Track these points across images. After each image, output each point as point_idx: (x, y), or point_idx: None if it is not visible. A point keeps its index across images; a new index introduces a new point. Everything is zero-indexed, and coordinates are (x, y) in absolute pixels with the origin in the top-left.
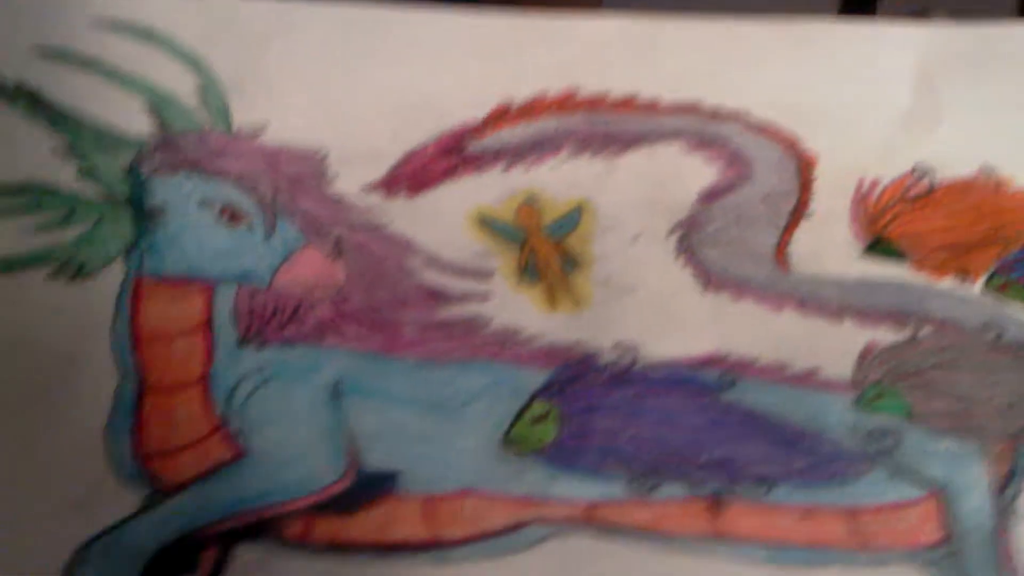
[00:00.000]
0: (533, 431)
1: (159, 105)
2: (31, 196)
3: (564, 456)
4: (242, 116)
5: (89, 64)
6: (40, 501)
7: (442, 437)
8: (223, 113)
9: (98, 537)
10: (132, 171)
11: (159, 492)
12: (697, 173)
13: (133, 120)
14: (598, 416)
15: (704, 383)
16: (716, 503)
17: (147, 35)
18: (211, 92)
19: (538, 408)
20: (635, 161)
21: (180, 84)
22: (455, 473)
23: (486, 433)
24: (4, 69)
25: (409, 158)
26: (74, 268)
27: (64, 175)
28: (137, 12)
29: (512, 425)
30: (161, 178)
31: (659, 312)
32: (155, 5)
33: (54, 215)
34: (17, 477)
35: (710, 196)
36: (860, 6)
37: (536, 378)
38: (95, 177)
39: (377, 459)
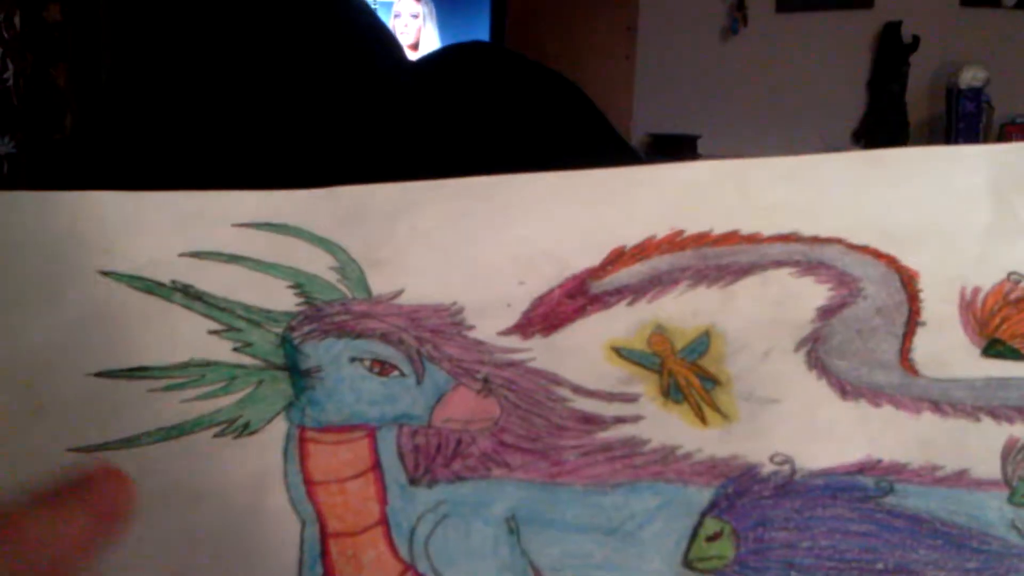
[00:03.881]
0: (711, 549)
1: (302, 283)
2: (194, 370)
3: (747, 573)
4: (379, 287)
5: (234, 259)
6: None
7: (625, 562)
8: (362, 284)
9: None
10: (284, 340)
11: None
12: (811, 293)
13: (280, 299)
14: (771, 530)
15: (864, 488)
16: None
17: (284, 229)
18: (348, 268)
19: (711, 526)
20: (750, 286)
21: (319, 267)
22: None
23: (667, 554)
24: (157, 273)
25: (538, 303)
26: (239, 427)
27: (222, 352)
28: (273, 214)
29: (689, 546)
30: (311, 343)
31: (805, 421)
32: (288, 205)
33: (216, 384)
34: None
35: (827, 312)
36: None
37: (702, 494)
38: (251, 350)
39: None
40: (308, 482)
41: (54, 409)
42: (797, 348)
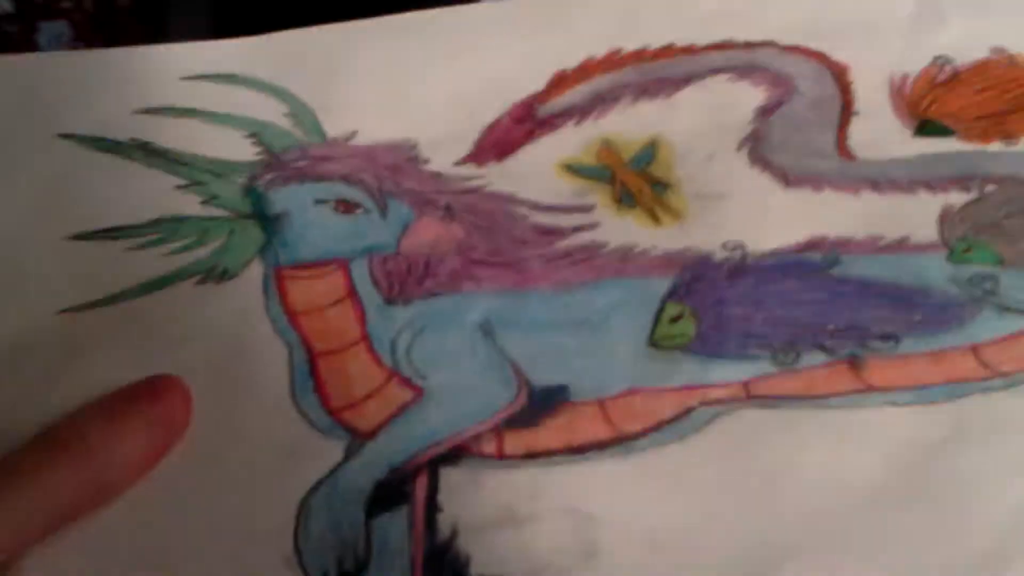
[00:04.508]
0: (673, 329)
1: (258, 132)
2: (165, 226)
3: (709, 346)
4: (333, 129)
5: (189, 112)
6: (249, 467)
7: (596, 348)
8: (316, 128)
9: (316, 488)
10: (250, 190)
11: (357, 439)
12: (748, 96)
13: (239, 150)
14: (728, 307)
15: (811, 263)
16: (854, 363)
17: (233, 79)
18: (301, 113)
19: (672, 309)
20: (690, 95)
21: (271, 114)
22: (617, 377)
23: (633, 338)
24: (115, 131)
25: (488, 131)
26: (218, 273)
27: (190, 206)
28: (218, 65)
29: (653, 329)
30: (275, 190)
31: (753, 211)
32: (233, 54)
33: (189, 238)
34: (222, 450)
35: (765, 112)
36: None
37: (662, 284)
38: (218, 202)
39: (544, 377)
40: (289, 312)
41: (36, 274)
42: (739, 147)
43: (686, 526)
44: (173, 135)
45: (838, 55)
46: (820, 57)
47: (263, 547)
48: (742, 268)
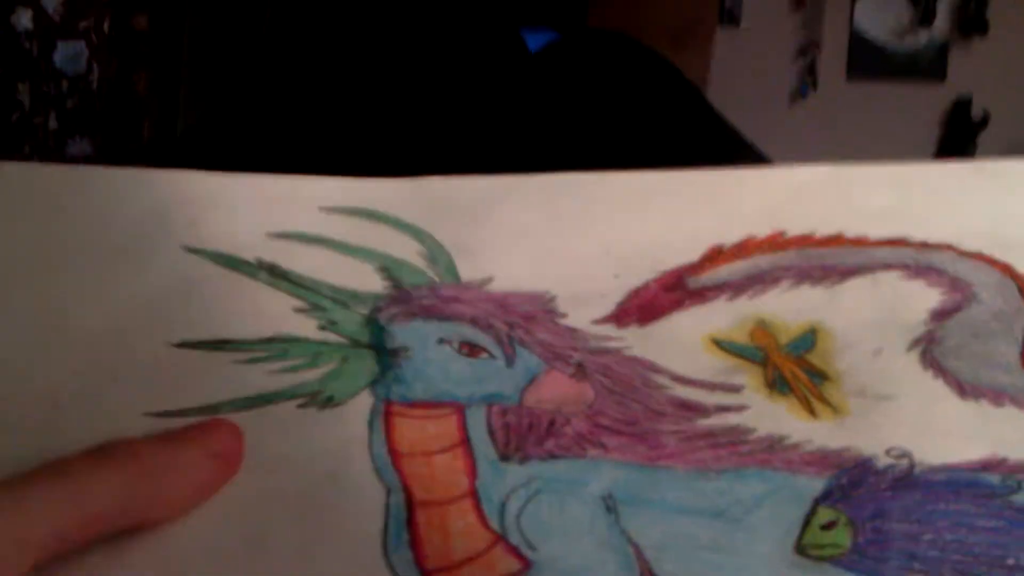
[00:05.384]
0: (825, 538)
1: (389, 267)
2: (276, 345)
3: (865, 563)
4: (468, 273)
5: (320, 241)
6: None
7: (733, 546)
8: (451, 269)
9: None
10: (371, 320)
11: None
12: (922, 295)
13: (367, 281)
14: (890, 521)
15: (989, 486)
16: None
17: (371, 215)
18: (437, 254)
19: (825, 515)
20: (858, 287)
21: (406, 252)
22: None
23: (777, 541)
24: (244, 251)
25: (634, 295)
26: (323, 399)
27: (308, 329)
28: (359, 199)
29: (802, 533)
30: (399, 324)
31: (922, 418)
32: (376, 193)
33: (301, 359)
34: None
35: (940, 315)
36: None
37: (814, 484)
38: (336, 328)
39: (670, 570)
40: (393, 452)
41: (132, 375)
42: (910, 348)
43: None
44: (301, 261)
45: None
46: (1005, 268)
47: None
48: (908, 479)
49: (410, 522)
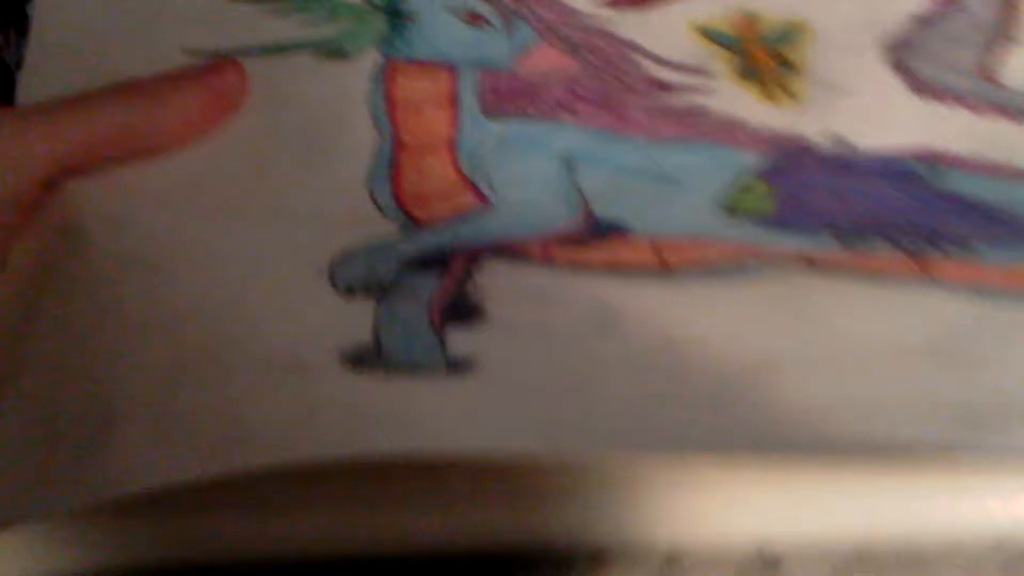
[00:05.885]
0: (748, 200)
1: None
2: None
3: (779, 218)
4: None
5: None
6: (312, 224)
7: (667, 198)
8: None
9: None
10: None
11: (416, 225)
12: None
13: None
14: (811, 194)
15: (913, 172)
16: (922, 256)
17: None
18: None
19: (754, 183)
20: None
21: None
22: (679, 224)
23: (707, 198)
24: None
25: None
26: (335, 50)
27: None
28: None
29: (729, 195)
30: None
31: (872, 111)
32: None
33: (319, 13)
34: (291, 204)
35: (922, 20)
36: None
37: (754, 159)
38: None
39: (607, 211)
40: (389, 100)
41: (171, 10)
42: (882, 48)
43: (706, 338)
44: None
45: None
46: None
47: (299, 257)
48: (840, 162)
49: (393, 161)
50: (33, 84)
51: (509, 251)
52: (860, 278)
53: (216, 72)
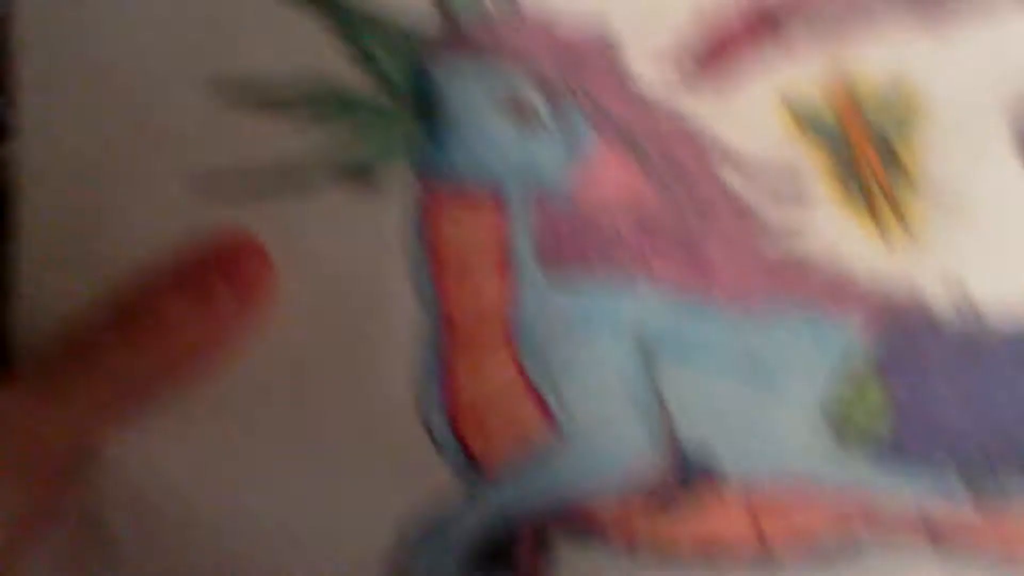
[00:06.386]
0: (860, 409)
1: None
2: (320, 100)
3: (894, 443)
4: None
5: None
6: (358, 471)
7: (761, 411)
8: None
9: (424, 530)
10: (418, 69)
11: (476, 470)
12: None
13: (417, 12)
14: (933, 400)
15: None
16: None
17: None
18: None
19: (866, 380)
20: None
21: None
22: (776, 458)
23: (807, 407)
24: None
25: (711, 31)
26: (360, 167)
27: (352, 80)
28: None
29: (837, 401)
30: (447, 73)
31: (998, 242)
32: None
33: (343, 119)
34: (333, 438)
35: None
36: None
37: (864, 338)
38: (383, 76)
39: (693, 435)
40: (433, 260)
41: (170, 135)
42: (1015, 120)
43: None
44: None
45: None
46: None
47: (357, 546)
48: (966, 342)
49: (444, 362)
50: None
51: (582, 522)
52: (991, 559)
53: (237, 267)
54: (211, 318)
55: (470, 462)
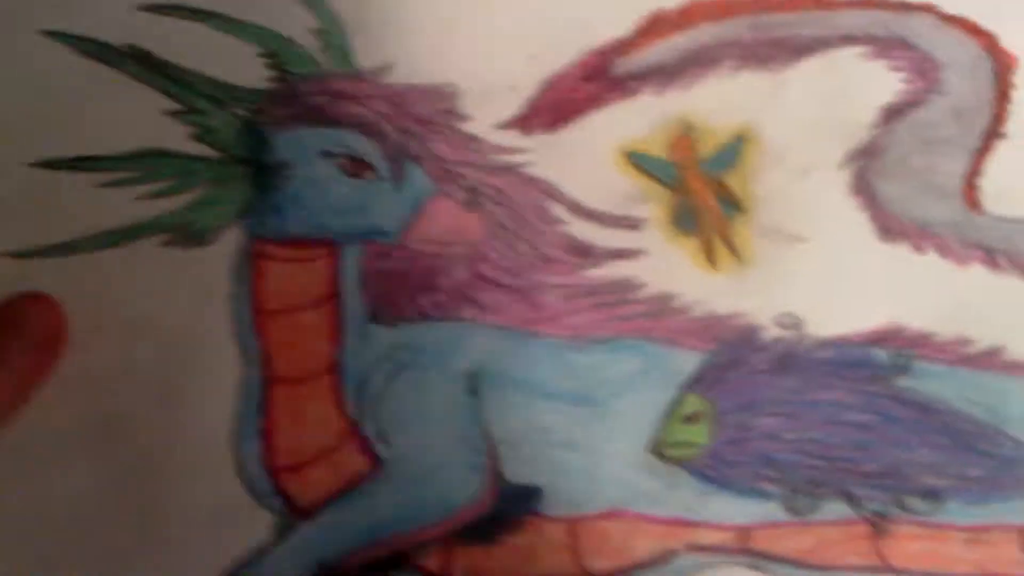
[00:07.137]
0: (685, 434)
1: (276, 50)
2: (146, 162)
3: (717, 467)
4: (365, 58)
5: (200, 15)
6: (174, 521)
7: (588, 442)
8: (344, 54)
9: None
10: (250, 126)
11: (292, 513)
12: (879, 84)
13: (249, 71)
14: (757, 415)
15: (876, 365)
16: (879, 526)
17: None
18: (332, 31)
19: (691, 404)
20: (807, 72)
21: (297, 29)
22: (600, 488)
23: (635, 436)
24: (110, 31)
25: (548, 87)
26: (190, 233)
27: (179, 139)
28: None
29: (663, 427)
30: (280, 131)
31: (829, 269)
32: None
33: (170, 181)
34: (148, 490)
35: (893, 113)
36: None
37: (690, 360)
38: (212, 138)
39: (517, 471)
40: (258, 310)
41: None
42: (844, 163)
43: None
44: (178, 43)
45: (1009, 42)
46: (987, 39)
47: None
48: (791, 359)
49: (264, 405)
50: None
51: (401, 558)
52: (809, 571)
53: (29, 320)
54: (3, 373)
55: (292, 510)
